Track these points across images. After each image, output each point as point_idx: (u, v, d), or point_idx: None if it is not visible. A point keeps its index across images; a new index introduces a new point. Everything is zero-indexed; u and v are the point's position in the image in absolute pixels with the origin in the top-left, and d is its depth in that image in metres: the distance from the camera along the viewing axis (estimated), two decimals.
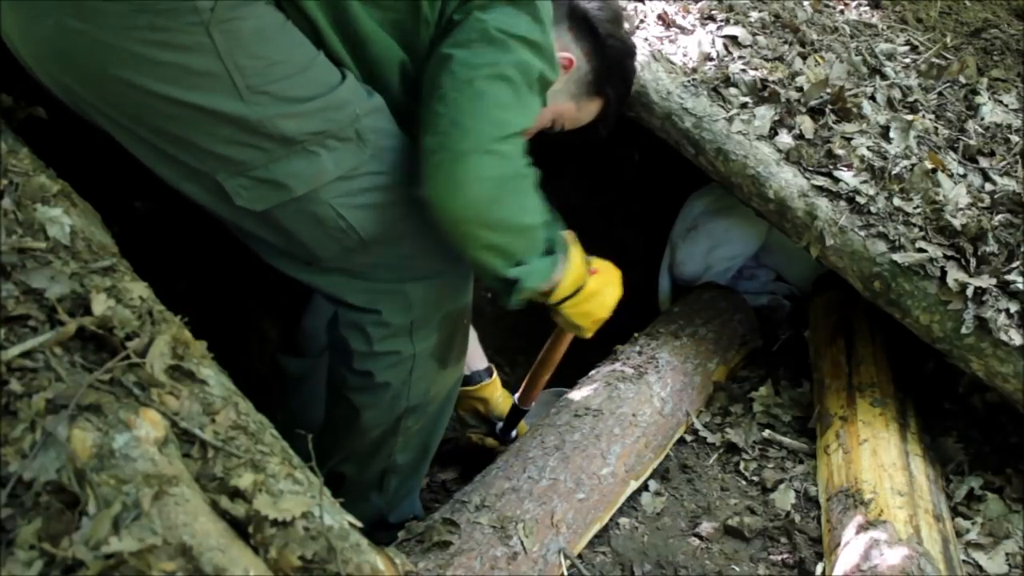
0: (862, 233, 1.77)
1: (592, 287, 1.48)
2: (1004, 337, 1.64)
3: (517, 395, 1.87)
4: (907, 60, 2.25)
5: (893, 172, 1.83)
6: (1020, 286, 1.66)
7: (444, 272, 1.39)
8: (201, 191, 1.22)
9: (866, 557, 1.44)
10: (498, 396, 1.91)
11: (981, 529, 1.66)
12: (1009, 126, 2.07)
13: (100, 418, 0.81)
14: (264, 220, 1.24)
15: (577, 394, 1.78)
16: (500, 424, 1.92)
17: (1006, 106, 2.15)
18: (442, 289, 1.41)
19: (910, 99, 2.09)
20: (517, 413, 1.88)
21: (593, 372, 1.89)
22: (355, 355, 1.40)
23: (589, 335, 1.60)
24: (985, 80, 2.23)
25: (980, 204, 1.81)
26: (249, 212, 1.22)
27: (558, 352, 1.77)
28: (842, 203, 1.81)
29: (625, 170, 2.76)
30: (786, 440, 1.90)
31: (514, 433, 1.92)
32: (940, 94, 2.15)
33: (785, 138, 1.90)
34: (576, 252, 1.45)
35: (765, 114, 1.92)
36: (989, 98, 2.15)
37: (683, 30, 2.12)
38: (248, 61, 1.11)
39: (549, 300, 1.44)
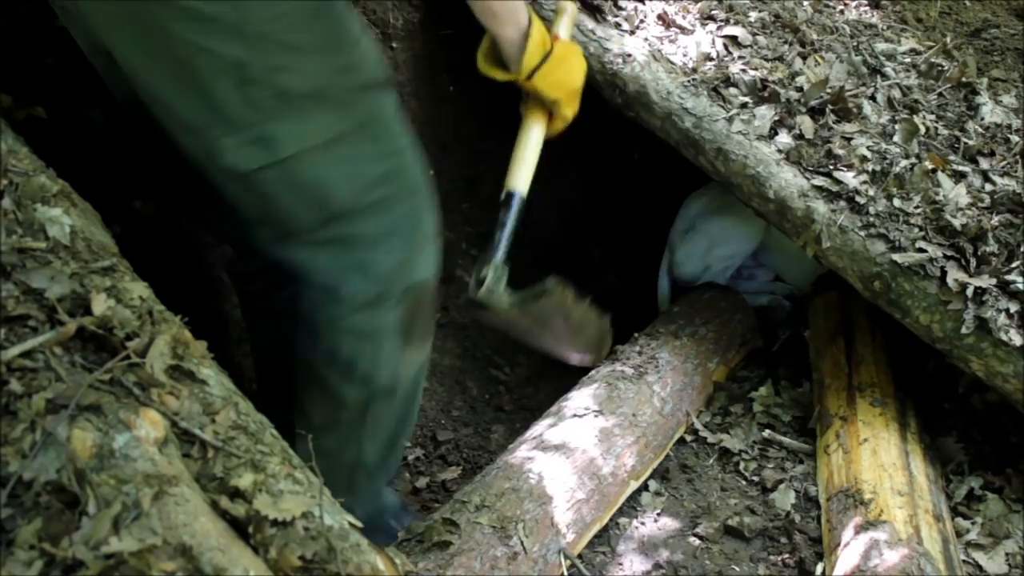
0: (862, 233, 1.77)
1: (559, 52, 1.43)
2: (1004, 337, 1.64)
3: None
4: (907, 60, 2.25)
5: (893, 172, 1.83)
6: (1020, 286, 1.66)
7: (410, 246, 1.37)
8: (194, 147, 1.21)
9: (866, 557, 1.44)
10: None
11: (981, 529, 1.66)
12: (1009, 126, 2.07)
13: (100, 418, 0.80)
14: (246, 184, 1.23)
15: (577, 394, 1.78)
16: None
17: (1006, 106, 2.15)
18: (406, 263, 1.38)
19: (910, 99, 2.09)
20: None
21: (593, 372, 1.89)
22: (320, 334, 1.38)
23: (568, 112, 1.51)
24: (985, 80, 2.22)
25: (980, 204, 1.81)
26: (233, 175, 1.21)
27: (529, 144, 1.56)
28: (842, 203, 1.81)
29: (625, 170, 2.76)
30: (786, 440, 1.90)
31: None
32: (940, 94, 2.15)
33: (785, 138, 1.90)
34: (535, 18, 1.40)
35: (765, 114, 1.92)
36: (989, 98, 2.15)
37: (683, 30, 2.12)
38: (259, 11, 1.11)
39: (520, 73, 1.40)
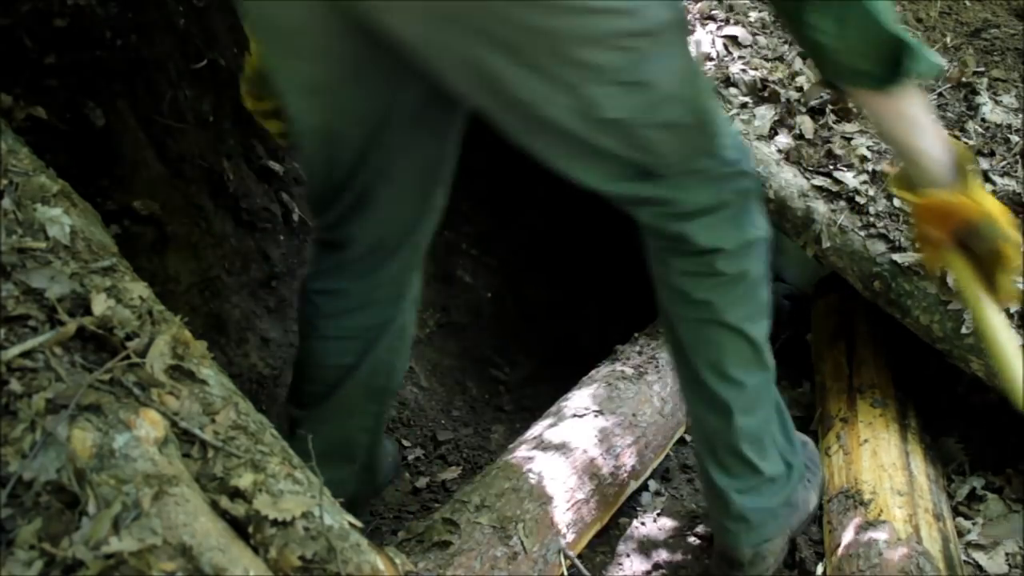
0: (862, 233, 1.77)
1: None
2: None
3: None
4: None
5: None
6: (1020, 286, 1.66)
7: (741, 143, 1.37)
8: (562, 111, 1.13)
9: (866, 557, 1.44)
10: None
11: (982, 529, 1.66)
12: (1009, 126, 2.07)
13: (100, 418, 0.81)
14: (624, 131, 1.17)
15: (577, 394, 1.78)
16: None
17: (1006, 106, 2.15)
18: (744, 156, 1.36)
19: None
20: None
21: (593, 372, 1.89)
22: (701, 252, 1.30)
23: (1015, 234, 1.14)
24: (985, 80, 2.22)
25: None
26: (610, 124, 1.15)
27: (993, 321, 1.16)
28: (842, 203, 1.81)
29: None
30: None
31: None
32: (940, 94, 2.15)
33: (785, 138, 1.90)
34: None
35: (765, 114, 1.92)
36: (989, 98, 2.15)
37: None
38: None
39: (955, 181, 1.11)
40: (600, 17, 1.06)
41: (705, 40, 2.09)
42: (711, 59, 2.05)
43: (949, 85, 2.17)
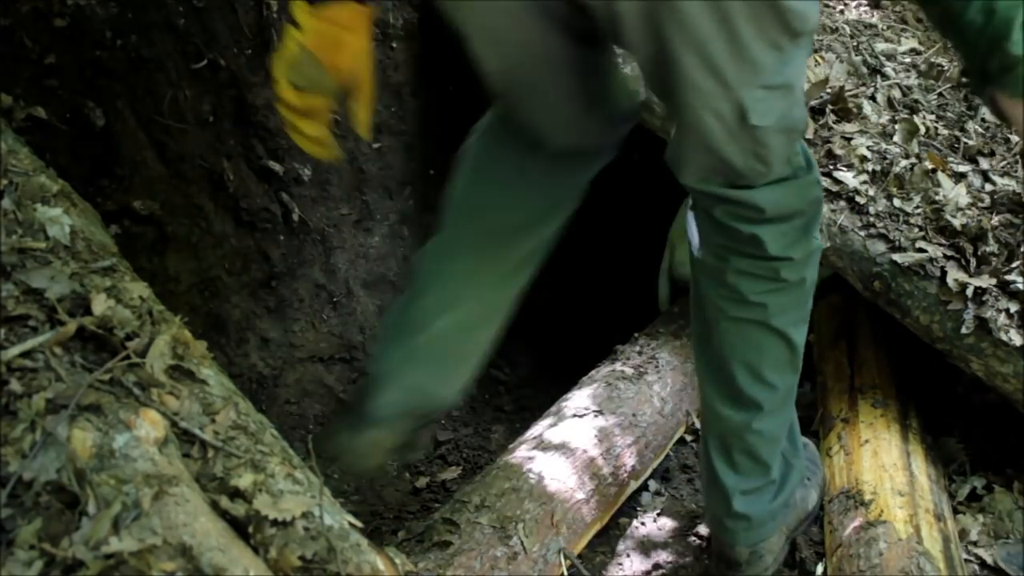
0: (862, 233, 1.77)
1: None
2: (1004, 337, 1.64)
3: None
4: (907, 60, 2.25)
5: (893, 172, 1.83)
6: (1020, 286, 1.66)
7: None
8: (712, 119, 1.17)
9: (866, 557, 1.44)
10: None
11: (983, 528, 1.66)
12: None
13: (100, 418, 0.81)
14: (756, 139, 1.20)
15: (577, 394, 1.78)
16: None
17: None
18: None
19: (910, 99, 2.09)
20: None
21: (593, 372, 1.89)
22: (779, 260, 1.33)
23: None
24: None
25: (980, 204, 1.81)
26: (748, 131, 1.18)
27: None
28: (842, 203, 1.81)
29: (625, 171, 2.76)
30: None
31: None
32: (940, 94, 2.15)
33: None
34: None
35: None
36: None
37: None
38: None
39: None
40: (778, 7, 1.08)
41: None
42: None
43: (949, 85, 2.17)
